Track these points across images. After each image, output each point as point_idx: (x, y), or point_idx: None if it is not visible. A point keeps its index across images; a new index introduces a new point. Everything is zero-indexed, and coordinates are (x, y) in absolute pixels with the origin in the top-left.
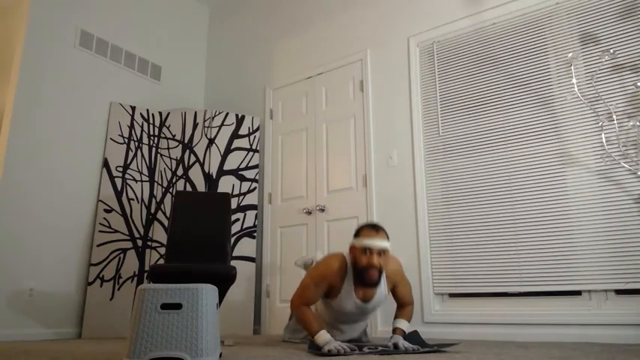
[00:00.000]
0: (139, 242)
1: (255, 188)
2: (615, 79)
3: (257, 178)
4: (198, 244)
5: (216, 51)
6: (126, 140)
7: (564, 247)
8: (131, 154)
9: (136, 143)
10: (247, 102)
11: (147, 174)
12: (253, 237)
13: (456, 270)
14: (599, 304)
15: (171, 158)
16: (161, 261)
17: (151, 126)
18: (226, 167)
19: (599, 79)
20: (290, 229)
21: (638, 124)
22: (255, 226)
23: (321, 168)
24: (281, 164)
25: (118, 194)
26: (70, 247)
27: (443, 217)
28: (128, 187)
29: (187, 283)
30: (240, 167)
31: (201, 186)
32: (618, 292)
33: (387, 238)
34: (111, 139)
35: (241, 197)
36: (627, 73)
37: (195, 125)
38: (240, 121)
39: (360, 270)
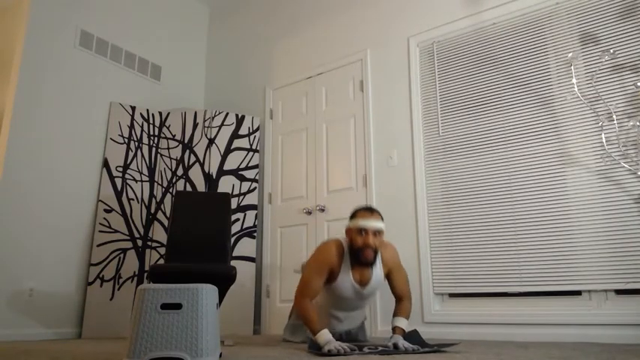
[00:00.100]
0: (139, 242)
1: (255, 188)
2: (615, 79)
3: (257, 178)
4: (198, 244)
5: (216, 51)
6: (126, 140)
7: (564, 247)
8: (131, 154)
9: (136, 143)
10: (247, 102)
11: (147, 174)
12: (253, 237)
13: (456, 270)
14: (599, 304)
15: (171, 158)
16: (161, 261)
17: (151, 126)
18: (226, 167)
19: (599, 79)
20: (290, 229)
21: (638, 124)
22: (255, 226)
23: (321, 168)
24: (281, 164)
25: (118, 194)
26: (70, 247)
27: (443, 217)
28: (128, 187)
29: (187, 283)
30: (240, 167)
31: (201, 186)
32: (618, 292)
33: (382, 219)
34: (111, 139)
35: (241, 197)
36: (627, 73)
37: (195, 125)
38: (240, 121)
39: (357, 250)
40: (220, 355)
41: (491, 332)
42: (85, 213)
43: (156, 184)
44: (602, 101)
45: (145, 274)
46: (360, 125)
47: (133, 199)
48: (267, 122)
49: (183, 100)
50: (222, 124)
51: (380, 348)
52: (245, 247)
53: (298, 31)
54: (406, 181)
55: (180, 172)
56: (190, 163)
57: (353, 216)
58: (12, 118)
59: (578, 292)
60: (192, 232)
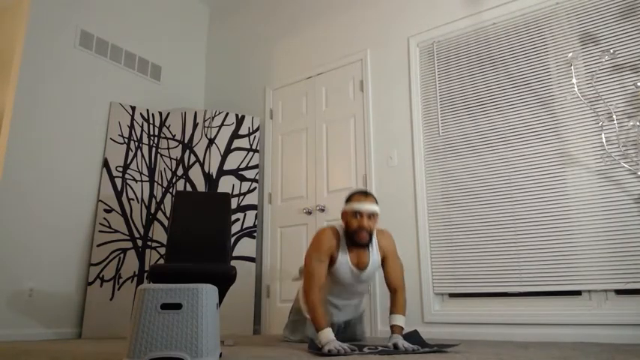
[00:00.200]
0: (139, 242)
1: (255, 188)
2: (615, 79)
3: (257, 178)
4: (198, 244)
5: (216, 51)
6: (126, 140)
7: (564, 247)
8: (131, 154)
9: (136, 143)
10: (247, 102)
11: (147, 174)
12: (253, 237)
13: (456, 270)
14: (599, 304)
15: (171, 158)
16: (161, 261)
17: (151, 126)
18: (226, 167)
19: (599, 79)
20: (290, 229)
21: (638, 124)
22: (255, 226)
23: (321, 168)
24: (281, 164)
25: (118, 194)
26: (70, 247)
27: (443, 217)
28: (128, 187)
29: (187, 283)
30: (240, 167)
31: (201, 186)
32: (618, 292)
33: (376, 203)
34: (111, 139)
35: (241, 197)
36: (627, 73)
37: (195, 125)
38: (240, 121)
39: (352, 233)
40: (220, 355)
41: (491, 332)
42: (85, 213)
43: (156, 184)
44: (602, 101)
45: (145, 274)
46: (360, 125)
47: (133, 199)
48: (267, 122)
49: (183, 100)
50: (222, 124)
51: (380, 348)
52: (245, 247)
53: (298, 31)
54: (406, 181)
55: (180, 172)
56: (190, 163)
57: (348, 199)
58: (12, 118)
59: (578, 292)
60: (192, 232)
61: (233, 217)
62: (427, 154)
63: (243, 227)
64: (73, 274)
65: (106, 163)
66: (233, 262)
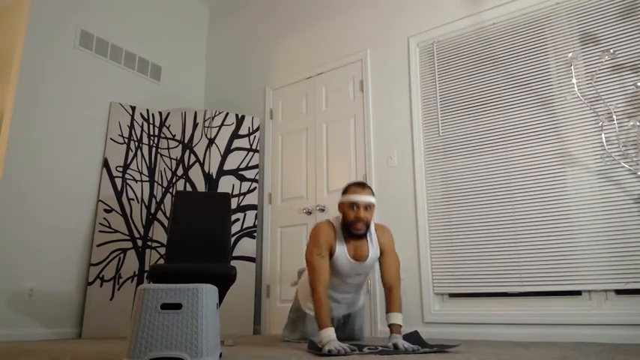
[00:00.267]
0: (139, 242)
1: (255, 188)
2: (615, 79)
3: (257, 178)
4: (198, 244)
5: (216, 51)
6: (126, 140)
7: (564, 247)
8: (131, 154)
9: (136, 143)
10: (247, 102)
11: (147, 174)
12: (253, 237)
13: (456, 270)
14: (599, 304)
15: (171, 158)
16: (161, 261)
17: (151, 126)
18: (226, 167)
19: (599, 79)
20: (290, 229)
21: (638, 124)
22: (255, 226)
23: (321, 168)
24: (281, 164)
25: (118, 194)
26: (70, 247)
27: (443, 217)
28: (128, 187)
29: (187, 283)
30: (240, 167)
31: (201, 186)
32: (618, 292)
33: (373, 194)
34: (111, 139)
35: (241, 197)
36: (627, 73)
37: (195, 125)
38: (240, 121)
39: (349, 224)
40: (220, 355)
41: (491, 332)
42: (85, 213)
43: (156, 184)
44: (602, 101)
45: (145, 274)
46: (360, 125)
47: (133, 199)
48: (267, 122)
49: (183, 100)
50: (222, 124)
51: (380, 348)
52: (245, 247)
53: (298, 31)
54: (406, 181)
55: (180, 172)
56: (190, 163)
57: (345, 191)
58: (12, 118)
59: (578, 292)
60: (192, 232)
61: (233, 217)
62: (427, 154)
63: (243, 227)
64: (73, 274)
65: (106, 163)
66: (233, 262)
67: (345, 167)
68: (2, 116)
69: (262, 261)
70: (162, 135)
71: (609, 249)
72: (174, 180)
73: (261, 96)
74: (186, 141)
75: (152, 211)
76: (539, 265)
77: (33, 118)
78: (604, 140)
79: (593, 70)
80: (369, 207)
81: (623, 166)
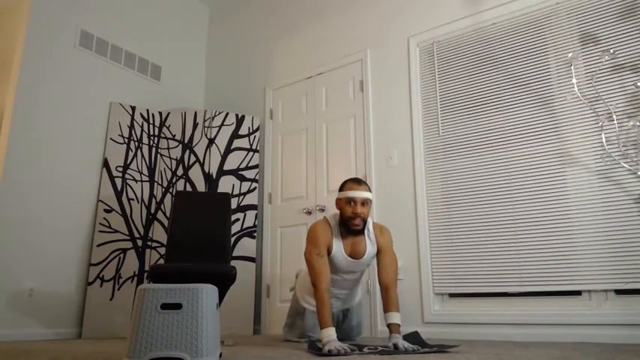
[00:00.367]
0: (139, 242)
1: (255, 188)
2: (615, 79)
3: (257, 178)
4: (198, 244)
5: (216, 51)
6: (126, 140)
7: (564, 247)
8: (131, 154)
9: (136, 143)
10: (247, 102)
11: (147, 174)
12: (253, 237)
13: (456, 270)
14: (599, 304)
15: (171, 158)
16: (161, 261)
17: (151, 126)
18: (226, 167)
19: (599, 79)
20: (290, 229)
21: (638, 124)
22: (255, 226)
23: (321, 168)
24: (281, 164)
25: (118, 194)
26: (70, 247)
27: (443, 217)
28: (128, 187)
29: (187, 283)
30: (240, 167)
31: (201, 186)
32: (618, 292)
33: (369, 190)
34: (111, 139)
35: (241, 197)
36: (627, 73)
37: (195, 125)
38: (240, 121)
39: (346, 219)
40: (220, 355)
41: (491, 332)
42: (85, 213)
43: (156, 184)
44: (602, 101)
45: (145, 274)
46: (360, 125)
47: (133, 199)
48: (267, 122)
49: (183, 100)
50: (222, 124)
51: (380, 348)
52: (245, 247)
53: (298, 31)
54: (406, 181)
55: (180, 172)
56: (190, 163)
57: (342, 187)
58: (12, 118)
59: (578, 292)
60: (192, 232)
61: (233, 217)
62: (427, 154)
63: (243, 227)
64: (73, 274)
65: (106, 163)
66: (233, 262)
67: (345, 167)
68: (2, 116)
69: (262, 261)
70: (163, 135)
71: (609, 249)
72: (174, 180)
73: (261, 96)
74: (186, 141)
75: (152, 211)
76: (539, 265)
77: (33, 118)
78: (604, 140)
79: (593, 70)
80: (365, 202)
81: (623, 166)
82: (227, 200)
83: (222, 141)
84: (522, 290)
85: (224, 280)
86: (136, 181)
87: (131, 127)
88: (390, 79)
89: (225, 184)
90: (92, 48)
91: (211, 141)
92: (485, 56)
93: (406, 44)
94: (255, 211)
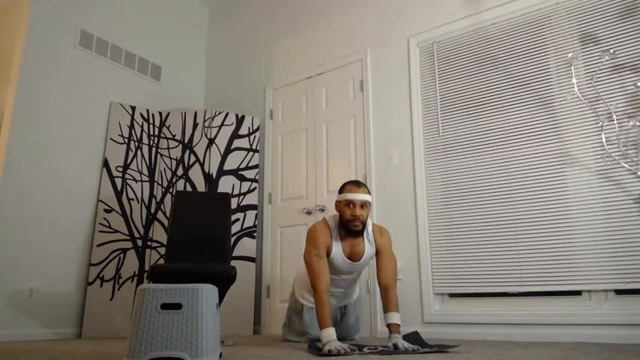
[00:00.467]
0: (139, 242)
1: (255, 188)
2: (615, 79)
3: (257, 178)
4: (198, 244)
5: (216, 51)
6: (126, 140)
7: (564, 247)
8: (131, 154)
9: (136, 143)
10: (247, 102)
11: (147, 174)
12: (253, 237)
13: (456, 270)
14: (599, 304)
15: (171, 158)
16: (161, 261)
17: (151, 126)
18: (226, 167)
19: (599, 79)
20: (290, 229)
21: (638, 124)
22: (255, 226)
23: (321, 168)
24: (281, 164)
25: (118, 194)
26: (70, 247)
27: (443, 217)
28: (128, 187)
29: (187, 283)
30: (240, 167)
31: (201, 186)
32: (618, 292)
33: (369, 192)
34: (111, 139)
35: (241, 197)
36: (627, 73)
37: (195, 125)
38: (240, 121)
39: (346, 222)
40: (220, 355)
41: (491, 332)
42: (85, 213)
43: (156, 184)
44: (602, 101)
45: (145, 274)
46: (360, 125)
47: (133, 199)
48: (267, 122)
49: (183, 100)
50: (222, 124)
51: (380, 348)
52: (245, 247)
53: (298, 31)
54: (406, 181)
55: (180, 172)
56: (190, 163)
57: (341, 190)
58: (12, 118)
59: (578, 292)
60: (192, 232)
61: (233, 217)
62: (427, 154)
63: (243, 227)
64: (73, 274)
65: (106, 163)
66: (233, 262)
67: (345, 167)
68: (2, 116)
69: (262, 261)
70: (163, 135)
71: (609, 249)
72: (174, 180)
73: (261, 96)
74: (186, 141)
75: (152, 211)
76: (539, 265)
77: (33, 118)
78: (604, 140)
79: (593, 70)
80: (365, 205)
81: (623, 166)
82: (227, 200)
83: (222, 141)
84: (522, 290)
85: (224, 280)
86: (136, 181)
87: (131, 127)
88: (390, 79)
89: (225, 184)
90: (92, 48)
91: (211, 141)
92: (485, 56)
93: (406, 44)
94: (255, 211)
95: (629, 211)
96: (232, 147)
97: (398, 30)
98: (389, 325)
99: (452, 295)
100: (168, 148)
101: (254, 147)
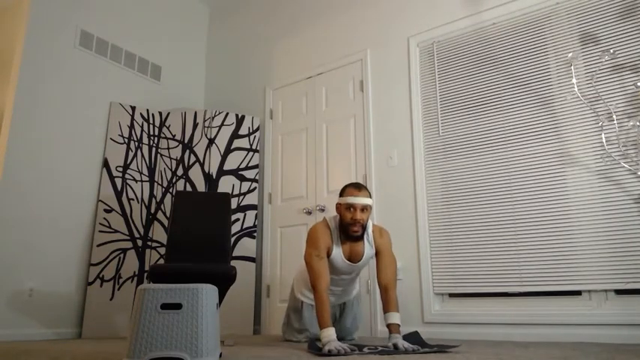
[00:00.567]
0: (139, 242)
1: (255, 188)
2: (615, 79)
3: (257, 178)
4: (198, 244)
5: (216, 51)
6: (126, 140)
7: (564, 247)
8: (131, 154)
9: (136, 143)
10: (247, 102)
11: (147, 174)
12: (253, 237)
13: (456, 270)
14: (599, 304)
15: (171, 158)
16: (161, 261)
17: (151, 126)
18: (226, 167)
19: (599, 79)
20: (290, 229)
21: (638, 124)
22: (255, 226)
23: (321, 168)
24: (281, 164)
25: (118, 194)
26: (70, 247)
27: (443, 217)
28: (128, 187)
29: (187, 283)
30: (240, 167)
31: (201, 186)
32: (618, 292)
33: (369, 195)
34: (111, 139)
35: (241, 197)
36: (627, 73)
37: (195, 125)
38: (240, 121)
39: (346, 225)
40: (220, 355)
41: (491, 332)
42: (85, 213)
43: (156, 184)
44: (602, 101)
45: (145, 274)
46: (360, 125)
47: (133, 199)
48: (267, 122)
49: (183, 100)
50: (222, 124)
51: (380, 348)
52: (245, 247)
53: (298, 31)
54: (406, 181)
55: (180, 172)
56: (190, 163)
57: (342, 193)
58: (12, 118)
59: (578, 292)
60: (192, 232)
61: (233, 217)
62: (427, 154)
63: (243, 227)
64: (73, 274)
65: (106, 163)
66: (233, 262)
67: (345, 167)
68: (2, 116)
69: (262, 261)
70: (163, 135)
71: (609, 249)
72: (174, 180)
73: (261, 96)
74: (186, 141)
75: (152, 211)
76: (539, 265)
77: (33, 118)
78: (604, 140)
79: (593, 70)
80: (365, 209)
81: (623, 166)
82: (227, 200)
83: (222, 141)
84: (522, 290)
85: (224, 280)
86: (136, 181)
87: (131, 127)
88: (390, 79)
89: (225, 184)
90: (92, 48)
91: (211, 141)
92: (485, 56)
93: (406, 44)
94: (255, 211)
95: (629, 211)
96: (232, 147)
97: (398, 30)
98: (389, 325)
99: (452, 295)
100: (168, 148)
101: (254, 147)
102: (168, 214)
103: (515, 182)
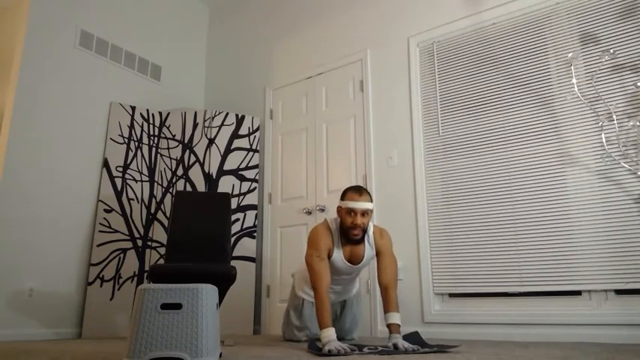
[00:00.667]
0: (139, 242)
1: (255, 188)
2: (615, 79)
3: (257, 178)
4: (198, 244)
5: (216, 51)
6: (126, 140)
7: (564, 247)
8: (131, 154)
9: (136, 143)
10: (247, 102)
11: (147, 174)
12: (253, 237)
13: (456, 270)
14: (599, 304)
15: (171, 158)
16: (161, 261)
17: (151, 126)
18: (226, 167)
19: (599, 79)
20: (290, 229)
21: (638, 124)
22: (255, 226)
23: (321, 168)
24: (281, 164)
25: (118, 194)
26: (70, 247)
27: (443, 217)
28: (128, 187)
29: (187, 283)
30: (240, 167)
31: (201, 186)
32: (618, 292)
33: (371, 199)
34: (111, 139)
35: (241, 197)
36: (627, 73)
37: (195, 125)
38: (240, 121)
39: (346, 229)
40: (220, 355)
41: (491, 332)
42: (85, 213)
43: (156, 184)
44: (602, 101)
45: (145, 274)
46: (360, 125)
47: (133, 199)
48: (267, 122)
49: (183, 100)
50: (222, 124)
51: (380, 348)
52: (245, 247)
53: (298, 31)
54: (406, 181)
55: (180, 172)
56: (190, 163)
57: (343, 196)
58: (12, 118)
59: (578, 292)
60: (192, 232)
61: (233, 217)
62: (427, 154)
63: (243, 227)
64: (73, 274)
65: (106, 163)
66: (233, 262)
67: (345, 167)
68: (2, 116)
69: (262, 261)
70: (163, 135)
71: (609, 249)
72: (174, 180)
73: (261, 96)
74: (186, 141)
75: (152, 211)
76: (539, 265)
77: (33, 118)
78: (604, 140)
79: (593, 70)
80: (366, 213)
81: (623, 166)
82: (227, 200)
83: (222, 141)
84: (522, 290)
85: (224, 280)
86: (136, 181)
87: (131, 127)
88: (390, 79)
89: (225, 184)
90: (92, 48)
91: (211, 141)
92: (485, 56)
93: (406, 44)
94: (255, 211)
95: (629, 211)
96: (232, 147)
97: (398, 30)
98: (389, 325)
99: (452, 295)
100: (169, 148)
101: (254, 147)
102: (168, 214)
103: (515, 182)
